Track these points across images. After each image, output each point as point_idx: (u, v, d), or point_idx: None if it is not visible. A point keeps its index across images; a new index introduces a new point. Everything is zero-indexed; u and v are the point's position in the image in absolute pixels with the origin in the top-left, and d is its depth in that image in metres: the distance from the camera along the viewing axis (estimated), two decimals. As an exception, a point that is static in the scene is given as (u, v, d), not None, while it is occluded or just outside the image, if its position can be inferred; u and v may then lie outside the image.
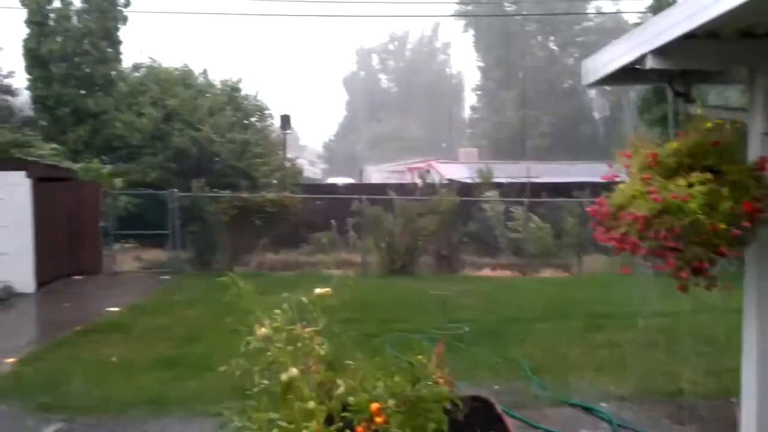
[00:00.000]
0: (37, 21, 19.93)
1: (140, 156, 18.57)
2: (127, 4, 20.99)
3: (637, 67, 3.79)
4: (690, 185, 3.31)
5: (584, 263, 15.08)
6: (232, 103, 20.26)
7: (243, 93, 21.18)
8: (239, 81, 21.10)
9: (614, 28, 40.81)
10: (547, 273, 15.04)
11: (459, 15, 50.26)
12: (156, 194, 15.59)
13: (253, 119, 20.88)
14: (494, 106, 49.16)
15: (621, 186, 3.73)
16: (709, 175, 3.32)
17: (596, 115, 42.27)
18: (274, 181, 18.17)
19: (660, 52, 3.50)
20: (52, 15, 20.28)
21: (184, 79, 20.54)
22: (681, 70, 3.90)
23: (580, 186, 16.15)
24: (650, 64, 3.56)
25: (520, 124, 44.06)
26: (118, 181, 16.75)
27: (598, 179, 4.63)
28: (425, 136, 65.33)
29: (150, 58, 21.78)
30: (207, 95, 20.09)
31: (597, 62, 4.27)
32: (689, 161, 3.55)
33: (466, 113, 67.11)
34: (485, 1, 50.20)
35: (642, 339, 8.01)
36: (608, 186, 3.89)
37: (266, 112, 21.70)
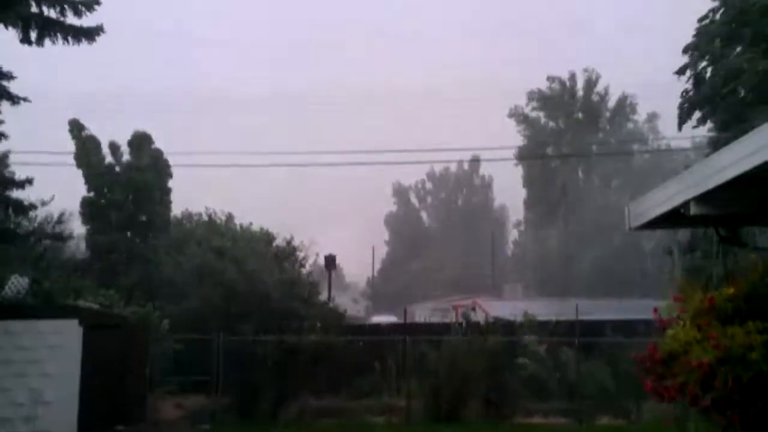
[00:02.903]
0: (96, 178, 21.52)
1: (187, 297, 18.66)
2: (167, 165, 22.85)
3: (682, 212, 3.77)
4: (748, 332, 3.16)
5: (644, 409, 14.09)
6: (273, 251, 20.45)
7: (284, 238, 21.36)
8: (275, 233, 20.86)
9: (659, 165, 41.34)
10: (604, 420, 14.09)
11: (517, 160, 50.02)
12: (202, 339, 15.44)
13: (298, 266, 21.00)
14: (539, 240, 49.12)
15: (671, 332, 3.58)
16: (768, 323, 3.17)
17: (644, 248, 41.72)
18: (318, 324, 17.97)
19: (703, 198, 3.48)
20: (114, 168, 21.94)
21: (227, 223, 21.28)
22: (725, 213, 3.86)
23: (632, 324, 15.54)
24: (694, 210, 3.53)
25: (566, 259, 43.63)
26: (165, 323, 16.80)
27: (646, 316, 4.46)
28: (469, 272, 65.05)
29: (206, 207, 22.85)
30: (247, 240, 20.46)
31: (641, 207, 4.27)
32: (746, 306, 3.41)
33: (510, 248, 67.02)
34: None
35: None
36: (662, 329, 3.74)
37: (306, 255, 21.76)
